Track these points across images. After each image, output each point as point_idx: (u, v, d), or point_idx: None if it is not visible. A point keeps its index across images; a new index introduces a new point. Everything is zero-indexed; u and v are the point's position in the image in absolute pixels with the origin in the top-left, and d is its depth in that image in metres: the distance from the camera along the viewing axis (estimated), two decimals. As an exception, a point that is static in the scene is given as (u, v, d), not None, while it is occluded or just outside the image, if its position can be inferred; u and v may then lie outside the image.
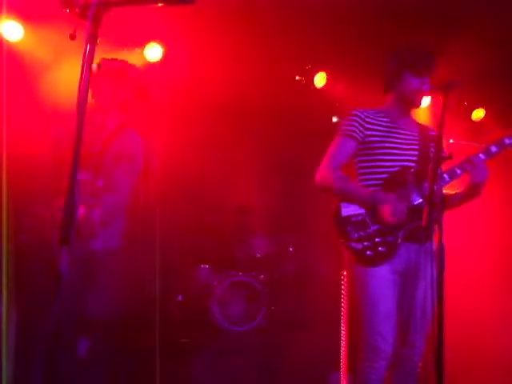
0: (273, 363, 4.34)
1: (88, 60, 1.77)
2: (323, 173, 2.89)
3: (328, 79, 5.63)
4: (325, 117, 5.87)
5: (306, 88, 5.67)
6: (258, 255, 5.77)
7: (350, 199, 2.84)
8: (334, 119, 5.99)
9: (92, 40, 1.77)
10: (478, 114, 5.96)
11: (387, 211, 2.74)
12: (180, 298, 5.60)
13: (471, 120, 5.94)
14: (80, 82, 1.77)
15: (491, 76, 5.11)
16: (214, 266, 5.67)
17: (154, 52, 5.08)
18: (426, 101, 5.30)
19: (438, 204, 2.46)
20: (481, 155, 2.83)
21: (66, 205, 1.75)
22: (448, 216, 2.74)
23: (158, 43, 5.04)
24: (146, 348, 4.08)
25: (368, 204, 2.79)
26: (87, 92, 1.79)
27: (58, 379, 2.34)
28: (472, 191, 2.86)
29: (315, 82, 5.65)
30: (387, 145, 2.87)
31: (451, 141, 5.83)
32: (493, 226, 5.53)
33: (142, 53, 5.08)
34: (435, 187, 2.45)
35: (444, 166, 2.72)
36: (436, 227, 2.42)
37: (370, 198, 2.79)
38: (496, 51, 4.78)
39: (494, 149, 2.85)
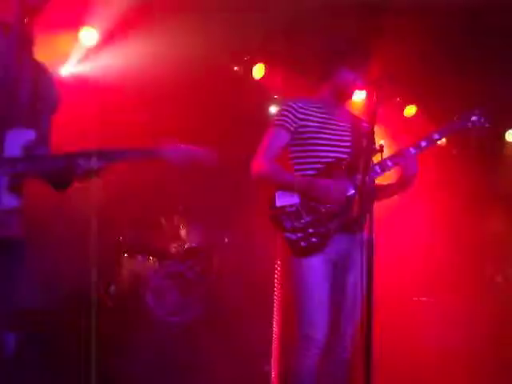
0: (207, 354, 4.34)
1: (15, 41, 1.66)
2: (258, 164, 2.91)
3: (266, 70, 5.65)
4: (262, 108, 5.89)
5: (244, 79, 5.68)
6: (194, 245, 5.74)
7: (287, 187, 2.85)
8: (272, 110, 6.02)
9: (19, 20, 1.67)
10: (410, 110, 6.15)
11: (324, 198, 2.78)
12: (113, 289, 5.51)
13: (403, 116, 6.13)
14: (7, 65, 1.67)
15: (423, 74, 5.27)
16: (148, 256, 5.60)
17: (89, 36, 4.96)
18: (361, 95, 5.42)
19: (369, 195, 2.52)
20: (411, 149, 2.93)
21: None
22: (382, 208, 2.83)
23: (94, 28, 4.93)
24: (79, 340, 3.99)
25: (305, 191, 2.81)
26: (17, 73, 1.70)
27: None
28: (403, 184, 2.94)
29: (253, 73, 5.67)
30: (321, 135, 2.91)
31: (382, 142, 5.99)
32: (424, 219, 5.75)
33: (76, 37, 4.95)
34: (367, 179, 2.51)
35: (376, 159, 2.80)
36: (367, 218, 2.48)
37: (307, 184, 2.82)
38: (429, 51, 4.93)
39: (423, 143, 2.95)
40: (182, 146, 2.42)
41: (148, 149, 2.38)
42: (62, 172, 2.18)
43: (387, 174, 2.91)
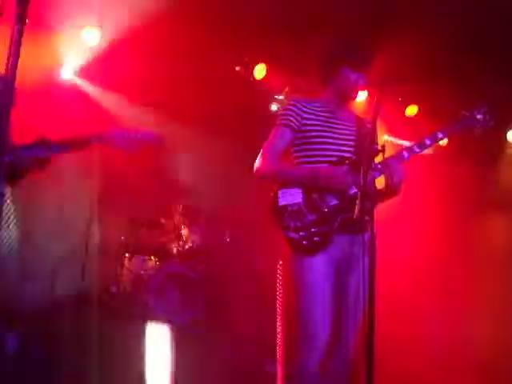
0: (210, 354, 4.34)
1: (16, 42, 1.65)
2: (262, 163, 2.91)
3: (267, 71, 5.65)
4: (263, 108, 5.89)
5: (246, 79, 5.68)
6: (195, 245, 5.73)
7: (291, 180, 2.84)
8: (274, 107, 6.02)
9: (20, 20, 1.66)
10: (412, 110, 6.15)
11: (329, 179, 2.77)
12: (114, 289, 5.49)
13: (405, 115, 6.14)
14: (7, 66, 1.66)
15: (425, 74, 5.27)
16: (150, 256, 5.59)
17: (91, 36, 4.95)
18: (363, 95, 5.42)
19: (371, 195, 2.51)
20: (415, 148, 2.92)
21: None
22: (385, 209, 2.82)
23: (96, 27, 4.93)
24: (80, 339, 3.99)
25: (309, 178, 2.80)
26: (15, 76, 1.69)
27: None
28: (389, 192, 2.89)
29: (255, 74, 5.67)
30: (325, 134, 2.91)
31: (386, 136, 6.00)
32: (429, 219, 5.76)
33: (79, 36, 4.95)
34: (368, 179, 2.49)
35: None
36: (369, 218, 2.47)
37: (310, 171, 2.81)
38: (430, 52, 4.94)
39: (427, 141, 2.95)
40: (127, 129, 2.49)
41: (92, 134, 2.42)
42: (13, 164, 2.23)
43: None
